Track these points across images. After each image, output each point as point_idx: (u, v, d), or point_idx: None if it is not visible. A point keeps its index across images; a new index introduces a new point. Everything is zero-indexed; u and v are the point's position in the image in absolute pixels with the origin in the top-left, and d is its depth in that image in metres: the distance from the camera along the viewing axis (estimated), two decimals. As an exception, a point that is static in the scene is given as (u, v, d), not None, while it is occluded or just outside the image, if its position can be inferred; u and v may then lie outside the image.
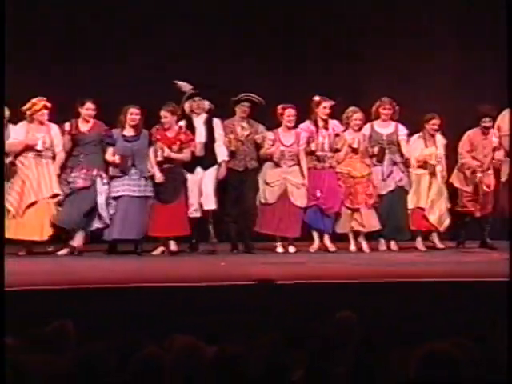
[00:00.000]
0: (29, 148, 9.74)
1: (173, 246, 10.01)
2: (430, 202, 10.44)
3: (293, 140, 10.14)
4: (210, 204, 9.97)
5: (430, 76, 11.14)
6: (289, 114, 10.06)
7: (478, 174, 10.49)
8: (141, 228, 9.90)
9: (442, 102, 10.88)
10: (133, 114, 9.83)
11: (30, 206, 9.75)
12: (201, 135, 9.98)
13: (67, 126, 9.87)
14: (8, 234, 9.53)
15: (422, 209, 10.45)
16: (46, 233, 9.81)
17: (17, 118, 9.85)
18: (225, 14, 10.98)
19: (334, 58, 10.92)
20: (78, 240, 9.84)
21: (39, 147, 9.72)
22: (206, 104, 10.02)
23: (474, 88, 11.01)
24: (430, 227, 10.54)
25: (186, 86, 9.94)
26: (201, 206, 9.97)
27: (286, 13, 10.96)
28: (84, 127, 9.90)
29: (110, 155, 9.84)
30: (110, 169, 9.88)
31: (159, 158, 9.82)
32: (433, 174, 10.44)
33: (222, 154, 9.97)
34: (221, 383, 3.75)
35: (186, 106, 9.98)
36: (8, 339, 4.72)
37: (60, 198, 9.78)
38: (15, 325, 5.25)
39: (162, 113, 9.81)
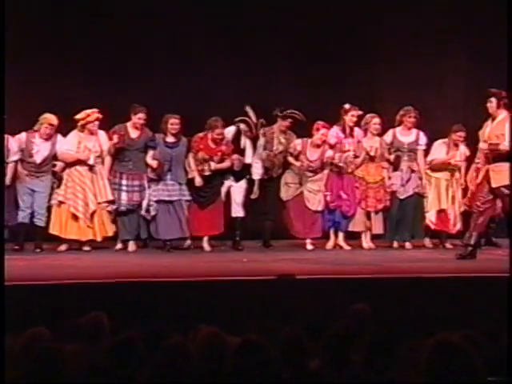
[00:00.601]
0: (82, 162, 9.75)
1: (206, 244, 10.06)
2: (449, 204, 10.42)
3: (317, 156, 10.14)
4: (238, 212, 10.10)
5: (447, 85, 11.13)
6: (322, 133, 10.07)
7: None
8: (182, 228, 9.94)
9: (459, 111, 10.88)
10: (173, 123, 9.85)
11: (94, 211, 9.81)
12: (248, 157, 10.06)
13: (117, 132, 9.87)
14: (70, 235, 9.79)
15: (444, 210, 10.42)
16: (101, 234, 9.89)
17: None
18: (259, 36, 10.95)
19: (353, 68, 10.85)
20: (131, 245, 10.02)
21: (91, 162, 9.74)
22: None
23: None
24: (450, 229, 10.49)
25: (250, 113, 9.96)
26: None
27: (309, 29, 10.89)
28: (134, 134, 9.92)
29: (150, 158, 9.87)
30: (148, 171, 9.92)
31: (206, 173, 9.87)
32: (450, 179, 10.42)
33: (257, 172, 10.06)
34: (244, 371, 3.73)
35: (242, 127, 9.99)
36: (44, 329, 4.73)
37: (113, 207, 9.88)
38: (57, 315, 5.26)
39: (219, 131, 9.84)
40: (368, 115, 10.26)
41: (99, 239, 9.87)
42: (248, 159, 10.06)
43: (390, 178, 10.31)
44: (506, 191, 8.90)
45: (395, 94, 10.80)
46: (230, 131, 10.03)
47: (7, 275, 7.97)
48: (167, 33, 10.77)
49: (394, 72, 11.05)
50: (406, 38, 11.12)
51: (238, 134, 10.07)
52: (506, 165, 8.85)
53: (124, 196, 9.88)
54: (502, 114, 8.98)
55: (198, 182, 9.88)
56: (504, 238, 10.36)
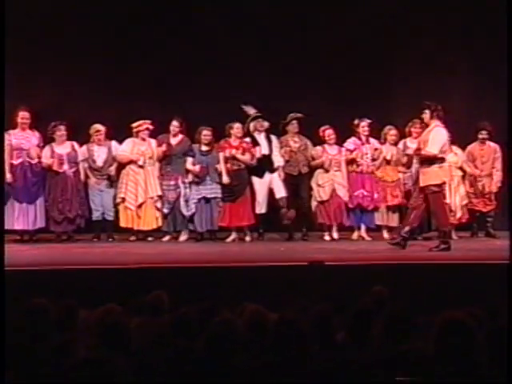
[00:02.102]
0: (133, 162, 9.79)
1: (248, 236, 10.01)
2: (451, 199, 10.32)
3: (336, 151, 10.14)
4: (281, 193, 9.93)
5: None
6: (328, 133, 10.09)
7: (479, 179, 10.41)
8: (216, 221, 9.91)
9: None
10: (206, 134, 9.85)
11: (143, 203, 9.80)
12: (264, 148, 9.97)
13: (160, 140, 9.89)
14: (126, 224, 9.78)
15: (447, 204, 10.27)
16: (152, 225, 9.88)
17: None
18: (283, 50, 10.82)
19: (371, 84, 10.78)
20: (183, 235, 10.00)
21: (140, 163, 9.76)
22: (266, 124, 10.04)
23: (484, 110, 10.80)
24: (453, 221, 10.30)
25: (250, 110, 9.94)
26: (268, 205, 9.98)
27: (332, 52, 10.79)
28: (173, 141, 9.92)
29: (191, 164, 9.85)
30: (189, 175, 9.88)
31: (226, 155, 9.80)
32: (450, 178, 10.23)
33: (277, 161, 9.97)
34: (281, 342, 3.71)
35: (251, 125, 9.98)
36: (116, 306, 4.75)
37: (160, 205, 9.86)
38: (125, 294, 5.28)
39: (237, 126, 9.82)
40: (386, 127, 10.26)
41: (146, 228, 9.86)
42: (264, 151, 9.96)
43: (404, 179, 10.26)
44: (433, 189, 8.75)
45: (408, 108, 10.75)
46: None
47: (88, 261, 8.08)
48: (206, 55, 10.63)
49: (407, 89, 10.95)
50: (419, 60, 10.99)
51: (253, 139, 9.98)
52: (432, 167, 8.74)
53: (171, 195, 9.87)
54: (433, 124, 8.84)
55: (225, 180, 9.80)
56: (500, 230, 10.38)
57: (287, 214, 9.86)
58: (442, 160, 8.84)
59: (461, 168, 10.39)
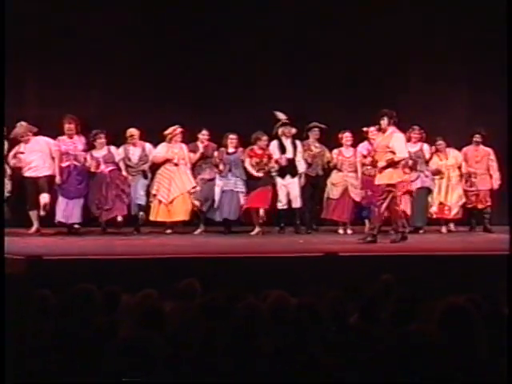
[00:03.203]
0: (168, 161, 9.81)
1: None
2: (447, 198, 10.33)
3: (351, 153, 10.12)
4: (297, 203, 10.03)
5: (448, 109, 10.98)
6: (346, 136, 10.05)
7: (473, 179, 10.38)
8: (237, 212, 9.96)
9: (455, 128, 10.71)
10: (232, 139, 9.89)
11: (176, 197, 9.80)
12: (289, 152, 9.99)
13: (192, 146, 9.95)
14: (159, 218, 9.80)
15: (443, 203, 10.34)
16: (187, 216, 9.90)
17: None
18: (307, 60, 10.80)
19: (377, 94, 10.72)
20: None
21: (175, 161, 9.82)
22: (293, 130, 10.04)
23: (480, 118, 10.73)
24: (448, 216, 10.39)
25: (281, 115, 9.93)
26: (288, 202, 10.01)
27: (345, 63, 10.78)
28: (202, 147, 9.96)
29: (196, 157, 9.95)
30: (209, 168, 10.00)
31: (260, 174, 9.88)
32: (448, 179, 10.35)
33: (301, 166, 9.99)
34: (301, 324, 3.70)
35: (280, 130, 9.98)
36: (153, 291, 4.76)
37: (197, 188, 9.87)
38: (161, 281, 5.28)
39: (263, 139, 9.87)
40: None
41: (179, 220, 9.86)
42: (289, 154, 9.97)
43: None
44: (390, 188, 8.73)
45: (409, 115, 10.73)
46: (273, 144, 10.00)
47: (129, 251, 8.11)
48: (232, 68, 10.60)
49: (408, 98, 10.91)
50: (419, 73, 10.96)
51: (280, 143, 10.00)
52: (388, 169, 8.74)
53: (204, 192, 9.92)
54: (390, 130, 8.80)
55: (256, 175, 9.89)
56: (496, 225, 10.32)
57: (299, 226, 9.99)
58: (398, 162, 8.81)
59: (459, 168, 10.36)
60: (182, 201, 9.85)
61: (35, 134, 9.61)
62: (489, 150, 10.39)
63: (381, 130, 8.90)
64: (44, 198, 9.48)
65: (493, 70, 10.50)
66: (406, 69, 10.98)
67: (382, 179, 8.77)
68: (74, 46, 10.26)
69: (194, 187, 9.86)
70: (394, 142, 8.73)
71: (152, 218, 9.89)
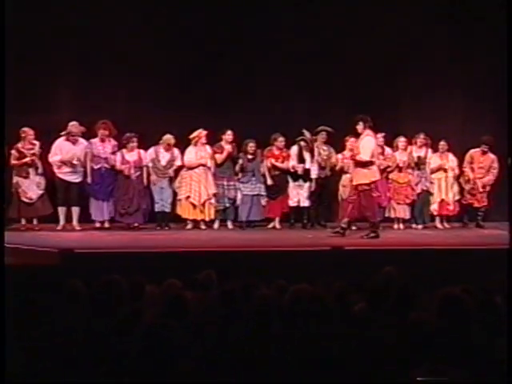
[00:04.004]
0: (200, 165, 9.77)
1: (277, 224, 10.02)
2: (448, 195, 10.31)
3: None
4: (305, 203, 10.01)
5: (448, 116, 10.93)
6: (351, 142, 9.91)
7: (475, 180, 10.30)
8: (260, 213, 9.94)
9: (456, 134, 10.67)
10: (251, 146, 9.85)
11: (206, 200, 9.76)
12: (307, 162, 9.94)
13: (218, 148, 9.87)
14: (190, 216, 9.76)
15: (445, 200, 10.30)
16: (210, 216, 9.84)
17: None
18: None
19: (384, 101, 10.65)
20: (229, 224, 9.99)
21: (209, 164, 9.78)
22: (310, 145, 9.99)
23: (476, 127, 10.66)
24: (448, 212, 10.36)
25: (307, 134, 9.89)
26: (298, 201, 9.99)
27: (352, 73, 10.64)
28: (228, 148, 9.88)
29: (238, 168, 9.87)
30: (240, 175, 9.92)
31: (268, 165, 9.87)
32: (446, 178, 10.31)
33: (314, 173, 9.93)
34: (309, 312, 3.68)
35: (302, 143, 9.90)
36: (176, 281, 4.76)
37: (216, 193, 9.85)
38: (182, 272, 5.26)
39: (280, 139, 9.85)
40: (398, 137, 10.20)
41: (207, 219, 9.84)
42: (308, 165, 9.96)
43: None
44: (364, 187, 8.72)
45: (413, 121, 10.69)
46: (293, 149, 9.97)
47: (152, 245, 8.12)
48: (250, 79, 10.49)
49: (412, 105, 10.85)
50: (423, 82, 10.85)
51: (299, 150, 9.95)
52: (363, 169, 8.74)
53: (226, 192, 9.85)
54: (365, 133, 8.78)
55: (269, 182, 9.87)
56: (488, 221, 10.32)
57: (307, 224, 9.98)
58: (372, 163, 8.82)
59: (453, 169, 10.33)
60: (209, 203, 9.82)
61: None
62: (494, 157, 10.32)
63: (357, 134, 8.89)
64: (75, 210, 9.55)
65: (489, 81, 10.46)
66: (408, 79, 10.91)
67: (355, 179, 8.78)
68: (109, 59, 10.22)
69: (214, 193, 9.77)
70: (363, 143, 8.77)
71: (184, 215, 9.85)
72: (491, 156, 10.31)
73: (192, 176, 9.78)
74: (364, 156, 8.77)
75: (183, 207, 9.83)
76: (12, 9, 9.64)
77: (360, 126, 8.76)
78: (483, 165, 10.32)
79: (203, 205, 9.77)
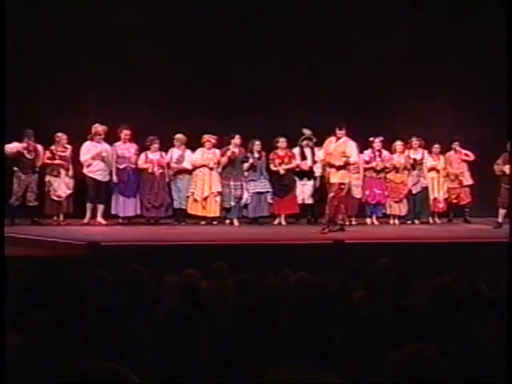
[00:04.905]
0: (204, 166, 9.77)
1: (283, 220, 9.96)
2: (439, 194, 10.34)
3: None
4: (309, 201, 10.02)
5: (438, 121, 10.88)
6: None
7: (460, 177, 10.28)
8: (266, 209, 9.89)
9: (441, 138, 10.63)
10: (257, 145, 9.81)
11: (207, 196, 9.76)
12: (309, 159, 9.92)
13: (224, 151, 9.86)
14: (193, 212, 9.73)
15: (436, 198, 10.34)
16: (213, 213, 9.82)
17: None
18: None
19: (382, 108, 10.63)
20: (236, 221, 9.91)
21: (211, 165, 9.75)
22: (314, 140, 9.91)
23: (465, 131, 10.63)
24: (439, 209, 10.37)
25: (306, 132, 9.83)
26: (303, 198, 9.98)
27: (354, 82, 10.60)
28: (236, 150, 9.86)
29: (247, 167, 9.82)
30: (246, 174, 9.86)
31: (282, 172, 9.80)
32: (438, 178, 10.36)
33: (318, 171, 9.83)
34: (312, 300, 3.67)
35: (304, 142, 9.86)
36: (191, 271, 4.75)
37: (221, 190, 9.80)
38: (199, 262, 5.25)
39: (282, 140, 9.80)
40: (395, 142, 10.20)
41: (211, 215, 9.78)
42: (309, 162, 9.91)
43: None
44: (341, 186, 8.72)
45: (408, 126, 10.66)
46: (296, 150, 9.91)
47: (170, 238, 8.13)
48: (259, 86, 10.47)
49: (407, 112, 10.81)
50: (417, 91, 10.82)
51: (301, 149, 9.90)
52: (340, 170, 8.70)
53: (232, 191, 9.80)
54: (344, 138, 8.78)
55: (282, 171, 9.77)
56: (475, 217, 10.34)
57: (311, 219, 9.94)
58: (350, 165, 8.81)
59: (445, 169, 10.34)
60: (214, 200, 9.82)
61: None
62: (466, 151, 10.34)
63: (336, 137, 8.83)
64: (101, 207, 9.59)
65: (475, 91, 10.55)
66: (404, 88, 10.88)
67: (335, 178, 8.74)
68: (132, 72, 10.22)
69: (218, 192, 9.76)
70: (350, 149, 8.77)
71: (190, 211, 9.86)
72: (463, 151, 10.34)
73: (198, 175, 9.80)
74: (354, 159, 8.86)
75: (189, 203, 9.84)
76: (51, 22, 9.77)
77: (341, 132, 8.76)
78: (460, 160, 10.36)
79: (205, 200, 9.71)
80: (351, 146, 8.80)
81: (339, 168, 8.71)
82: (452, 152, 10.39)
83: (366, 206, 10.14)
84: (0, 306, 3.47)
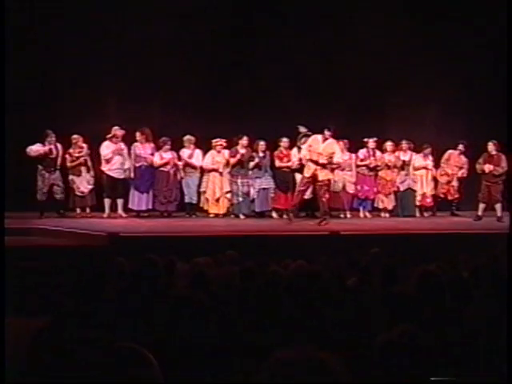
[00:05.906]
0: (215, 170, 9.75)
1: (284, 214, 9.86)
2: (428, 189, 10.31)
3: (347, 157, 9.95)
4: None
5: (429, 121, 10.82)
6: (344, 143, 9.83)
7: (450, 177, 10.25)
8: (269, 204, 9.86)
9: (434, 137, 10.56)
10: (262, 145, 9.76)
11: (219, 197, 9.76)
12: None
13: (233, 152, 9.80)
14: (207, 209, 9.75)
15: (425, 193, 10.30)
16: (223, 210, 9.83)
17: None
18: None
19: (376, 110, 10.55)
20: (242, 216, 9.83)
21: (221, 170, 9.74)
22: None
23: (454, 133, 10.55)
24: (427, 204, 10.35)
25: (302, 129, 9.78)
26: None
27: (350, 87, 10.54)
28: (243, 151, 9.84)
29: (252, 165, 9.77)
30: (250, 172, 9.78)
31: (279, 163, 9.77)
32: (427, 176, 10.32)
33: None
34: (309, 285, 3.67)
35: (302, 140, 9.74)
36: (201, 259, 4.75)
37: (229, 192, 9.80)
38: (207, 252, 5.26)
39: (285, 141, 9.74)
40: (386, 142, 10.16)
41: (222, 212, 9.79)
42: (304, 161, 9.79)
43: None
44: (326, 182, 8.73)
45: (399, 128, 10.62)
46: (294, 150, 9.76)
47: (183, 230, 8.14)
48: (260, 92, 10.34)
49: (398, 115, 10.73)
50: (408, 95, 10.73)
51: (298, 149, 9.72)
52: (325, 169, 8.71)
53: (240, 188, 9.76)
54: (330, 140, 8.79)
55: (289, 165, 9.66)
56: (463, 211, 10.25)
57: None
58: (332, 164, 8.87)
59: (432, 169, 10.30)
60: (225, 199, 9.81)
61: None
62: (465, 159, 10.26)
63: (324, 138, 8.79)
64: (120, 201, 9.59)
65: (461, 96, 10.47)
66: (396, 92, 10.81)
67: (323, 176, 8.74)
68: (146, 78, 10.20)
69: (227, 192, 9.76)
70: (336, 149, 8.82)
71: (205, 208, 9.87)
72: (464, 158, 10.28)
73: (209, 176, 9.82)
74: (339, 159, 8.93)
75: (202, 201, 9.89)
76: (76, 29, 9.73)
77: (329, 133, 8.75)
78: (459, 164, 10.29)
79: (217, 200, 9.77)
80: (337, 148, 8.90)
81: (325, 166, 8.74)
82: (456, 153, 10.22)
83: (355, 199, 10.12)
84: (0, 306, 2.97)
